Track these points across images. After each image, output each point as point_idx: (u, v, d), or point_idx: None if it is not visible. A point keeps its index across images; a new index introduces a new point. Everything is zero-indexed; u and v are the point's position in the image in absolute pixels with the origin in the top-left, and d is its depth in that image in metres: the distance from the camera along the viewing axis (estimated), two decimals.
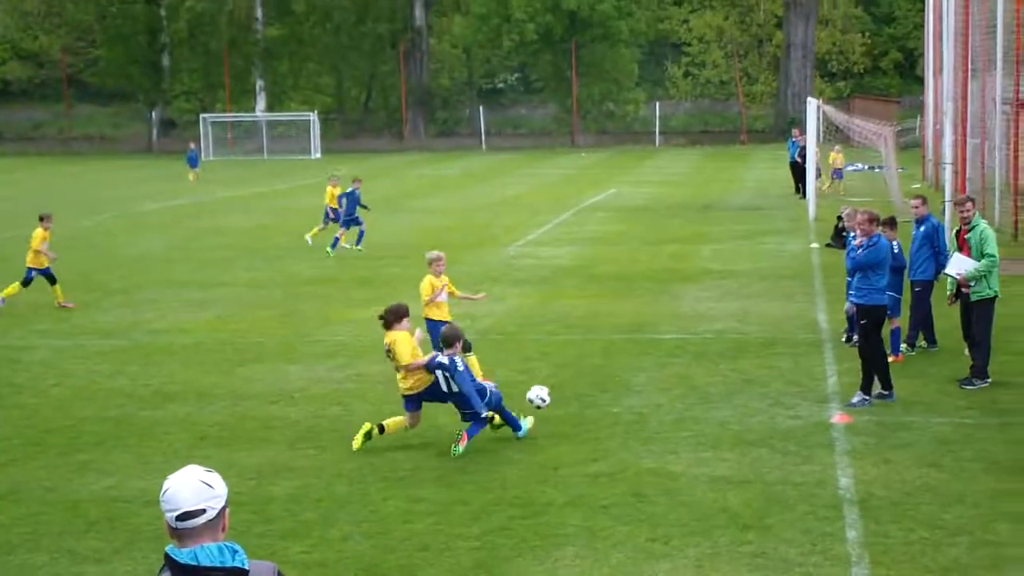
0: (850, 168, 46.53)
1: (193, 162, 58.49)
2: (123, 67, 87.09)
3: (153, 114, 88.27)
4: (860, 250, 14.78)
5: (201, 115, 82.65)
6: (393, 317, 13.80)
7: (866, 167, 51.01)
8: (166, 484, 4.66)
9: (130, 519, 11.32)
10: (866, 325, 14.80)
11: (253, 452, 13.39)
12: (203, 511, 4.64)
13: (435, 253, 16.57)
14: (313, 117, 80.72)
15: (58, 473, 12.73)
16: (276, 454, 13.31)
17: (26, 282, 22.78)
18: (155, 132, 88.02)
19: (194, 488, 4.65)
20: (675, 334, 19.37)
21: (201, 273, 27.06)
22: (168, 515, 4.64)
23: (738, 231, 32.55)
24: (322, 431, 14.18)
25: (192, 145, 64.44)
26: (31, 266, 22.73)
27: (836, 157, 43.12)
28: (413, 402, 13.64)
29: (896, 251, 16.80)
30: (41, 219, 23.05)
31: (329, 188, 31.63)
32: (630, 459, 12.85)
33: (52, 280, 22.78)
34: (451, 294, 16.49)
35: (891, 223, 17.20)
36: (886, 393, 14.91)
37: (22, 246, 31.29)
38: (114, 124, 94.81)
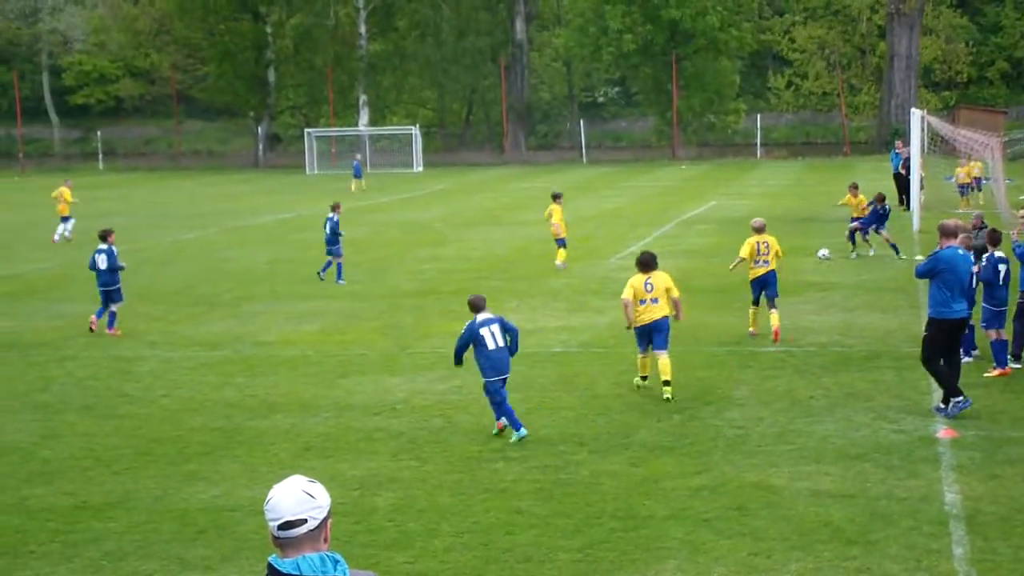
0: (951, 179, 45.70)
1: (357, 172, 62.86)
2: (230, 83, 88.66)
3: (259, 129, 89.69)
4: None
5: (306, 130, 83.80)
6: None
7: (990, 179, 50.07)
8: (270, 494, 4.72)
9: (237, 528, 11.52)
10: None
11: (356, 463, 13.55)
12: (304, 521, 4.68)
13: None
14: (415, 131, 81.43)
15: (167, 482, 13.00)
16: (379, 465, 13.45)
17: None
18: (261, 147, 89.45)
19: (296, 498, 4.69)
20: (777, 347, 19.21)
21: (304, 286, 27.43)
22: (271, 524, 4.69)
23: (840, 243, 32.14)
24: (424, 442, 14.30)
25: (357, 156, 67.95)
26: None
27: (970, 168, 42.36)
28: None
29: (986, 264, 16.71)
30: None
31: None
32: (732, 472, 12.79)
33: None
34: None
35: (994, 236, 17.03)
36: (942, 407, 14.72)
37: (132, 259, 32.00)
38: (221, 139, 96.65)
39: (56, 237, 38.05)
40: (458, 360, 14.70)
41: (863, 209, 30.85)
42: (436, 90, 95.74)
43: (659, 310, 16.20)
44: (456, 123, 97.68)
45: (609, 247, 33.42)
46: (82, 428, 15.27)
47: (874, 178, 56.63)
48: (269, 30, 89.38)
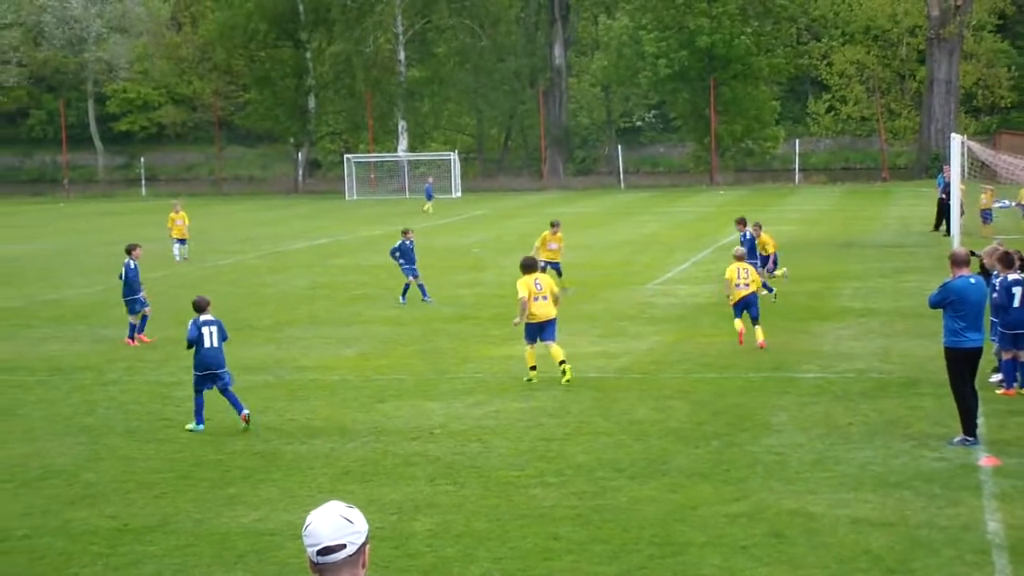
0: (998, 205, 45.41)
1: (429, 194, 64.77)
2: (271, 110, 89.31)
3: (299, 155, 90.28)
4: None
5: (345, 155, 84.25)
6: None
7: (1014, 204, 49.78)
8: (308, 519, 4.73)
9: (277, 552, 11.60)
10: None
11: (394, 487, 13.61)
12: (343, 546, 4.70)
13: None
14: (454, 156, 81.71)
15: (208, 506, 13.10)
16: (417, 490, 13.51)
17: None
18: (301, 172, 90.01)
19: (335, 523, 4.71)
20: (815, 373, 19.17)
21: (344, 310, 27.59)
22: (309, 550, 4.70)
23: (880, 269, 32.05)
24: (461, 467, 14.35)
25: (430, 179, 69.79)
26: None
27: (984, 197, 42.09)
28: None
29: (998, 287, 16.79)
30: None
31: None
32: (770, 499, 12.77)
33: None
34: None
35: (1008, 259, 17.11)
36: (969, 439, 14.63)
37: (171, 283, 32.30)
38: (262, 165, 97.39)
39: (177, 258, 38.65)
40: (190, 346, 16.61)
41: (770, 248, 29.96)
42: (475, 116, 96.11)
43: (548, 307, 18.66)
44: (495, 149, 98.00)
45: (647, 273, 33.43)
46: (124, 452, 15.41)
47: (913, 203, 56.42)
48: (309, 56, 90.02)
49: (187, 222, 39.38)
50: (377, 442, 15.66)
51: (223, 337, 16.74)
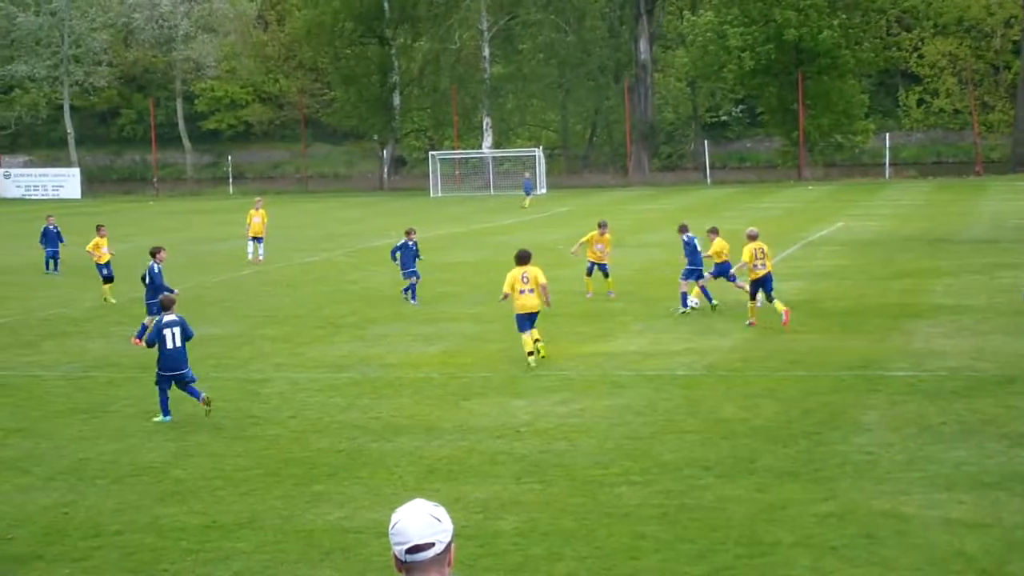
0: None
1: (527, 189, 66.77)
2: (356, 107, 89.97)
3: (384, 152, 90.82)
4: None
5: (430, 152, 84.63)
6: None
7: None
8: (395, 517, 4.71)
9: (362, 550, 11.61)
10: None
11: (480, 486, 13.58)
12: (432, 545, 4.67)
13: None
14: (538, 153, 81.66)
15: (294, 503, 13.17)
16: (502, 488, 13.47)
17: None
18: (386, 170, 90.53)
19: (424, 522, 4.69)
20: (907, 371, 18.83)
21: (428, 308, 27.64)
22: (397, 548, 4.68)
23: (973, 265, 31.44)
24: (547, 466, 14.28)
25: (527, 175, 71.24)
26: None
27: None
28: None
29: None
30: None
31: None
32: (860, 499, 12.55)
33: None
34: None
35: None
36: None
37: (258, 280, 32.63)
38: (347, 162, 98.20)
39: (250, 256, 38.54)
40: (149, 346, 17.30)
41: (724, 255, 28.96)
42: (559, 112, 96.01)
43: (534, 300, 20.21)
44: (579, 145, 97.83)
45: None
46: (212, 449, 15.56)
47: (1008, 198, 55.38)
48: (394, 54, 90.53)
49: (265, 220, 39.14)
50: (463, 440, 15.64)
51: (186, 336, 17.15)
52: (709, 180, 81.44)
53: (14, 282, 35.16)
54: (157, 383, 17.13)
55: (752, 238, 23.19)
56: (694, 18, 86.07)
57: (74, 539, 12.11)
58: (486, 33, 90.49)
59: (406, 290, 28.46)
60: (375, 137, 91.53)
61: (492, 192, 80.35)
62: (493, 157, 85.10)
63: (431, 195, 79.41)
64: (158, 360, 17.04)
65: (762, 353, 20.81)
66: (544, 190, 77.34)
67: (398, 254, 28.71)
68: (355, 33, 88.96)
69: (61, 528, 12.46)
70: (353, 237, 47.77)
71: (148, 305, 23.25)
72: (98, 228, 31.73)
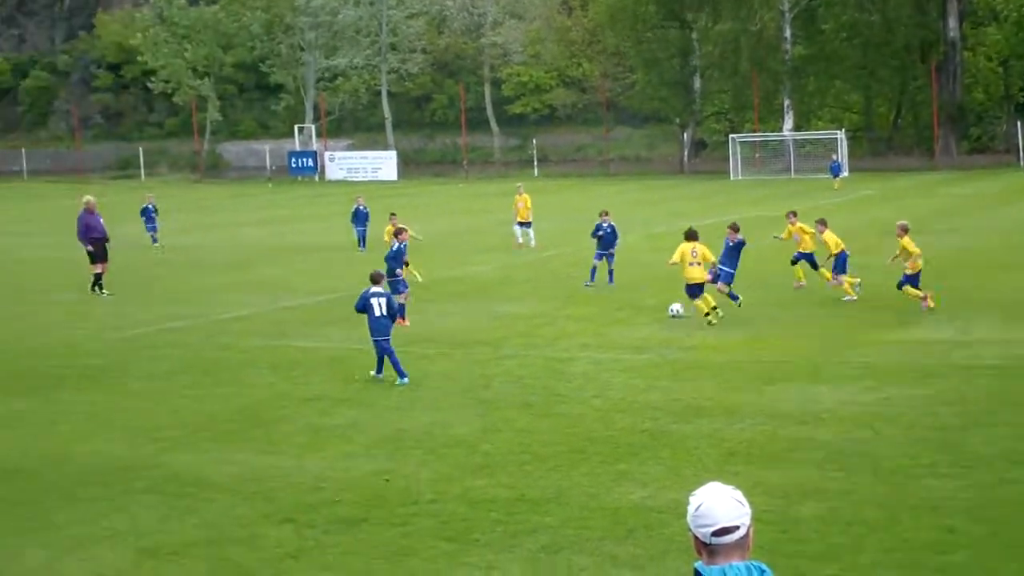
0: None
1: (835, 171, 67.07)
2: (657, 90, 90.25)
3: (685, 135, 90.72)
4: None
5: (730, 135, 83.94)
6: None
7: None
8: (696, 500, 4.86)
9: (664, 529, 11.83)
10: None
11: (781, 471, 13.59)
12: (737, 528, 4.82)
13: None
14: (840, 135, 79.78)
15: (599, 481, 13.52)
16: (804, 474, 13.44)
17: None
18: (686, 153, 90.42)
19: (730, 505, 4.83)
20: None
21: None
22: (702, 530, 4.82)
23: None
24: (850, 454, 14.15)
25: (834, 156, 71.38)
26: None
27: None
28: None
29: None
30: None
31: None
32: None
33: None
34: None
35: None
36: None
37: (560, 262, 33.31)
38: (648, 145, 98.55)
39: (519, 240, 38.86)
40: (359, 312, 19.11)
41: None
42: (862, 93, 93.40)
43: (700, 272, 23.07)
44: (883, 127, 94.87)
45: None
46: (520, 424, 16.11)
47: None
48: (695, 36, 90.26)
49: (528, 205, 39.01)
50: (764, 424, 15.65)
51: (391, 311, 18.93)
52: (1023, 163, 77.59)
53: (337, 259, 37.11)
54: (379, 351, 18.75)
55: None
56: None
57: (393, 505, 12.82)
58: (787, 14, 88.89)
59: (595, 272, 29.03)
60: (676, 120, 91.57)
61: (792, 175, 79.04)
62: (794, 140, 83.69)
63: (731, 178, 78.79)
64: (370, 327, 18.77)
65: None
66: (846, 173, 75.52)
67: (600, 234, 29.30)
68: (657, 16, 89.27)
69: (382, 494, 13.21)
70: (652, 221, 48.02)
71: (389, 284, 23.61)
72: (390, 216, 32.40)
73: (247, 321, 25.78)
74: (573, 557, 11.25)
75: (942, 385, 17.42)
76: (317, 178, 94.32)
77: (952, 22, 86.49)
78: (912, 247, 23.95)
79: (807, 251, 27.51)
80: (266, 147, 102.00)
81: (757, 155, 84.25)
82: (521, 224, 39.14)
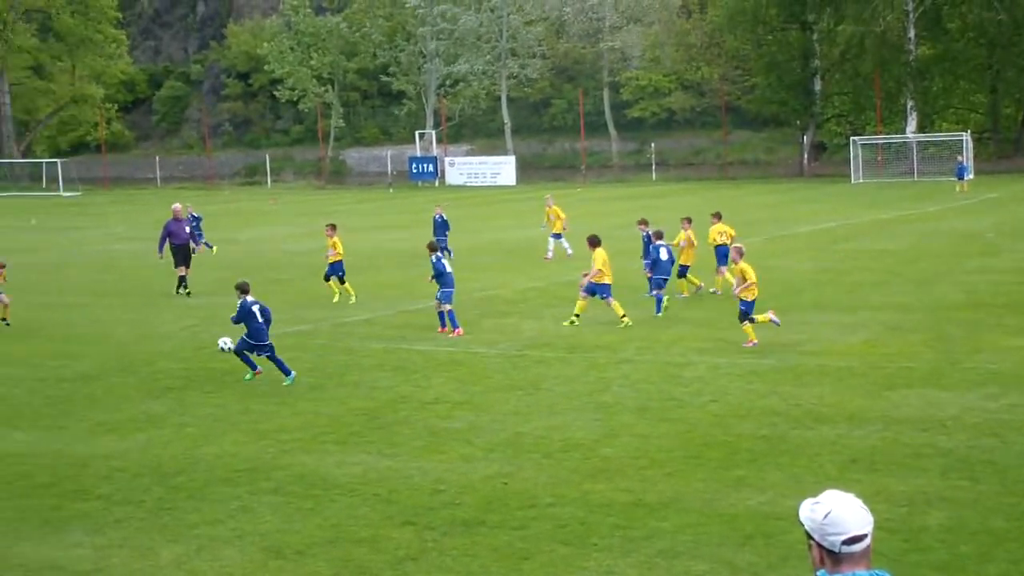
0: None
1: (960, 173, 65.88)
2: (776, 93, 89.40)
3: (804, 138, 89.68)
4: None
5: (851, 138, 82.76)
6: None
7: None
8: (823, 507, 4.87)
9: (783, 536, 11.74)
10: None
11: (904, 479, 13.41)
12: (865, 536, 4.84)
13: None
14: (966, 137, 78.16)
15: (716, 486, 13.48)
16: (927, 482, 13.25)
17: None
18: (806, 156, 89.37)
19: (858, 514, 4.86)
20: None
21: (850, 296, 27.27)
22: (831, 539, 4.83)
23: None
24: (976, 462, 13.92)
25: (960, 158, 70.36)
26: None
27: None
28: None
29: None
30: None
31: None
32: None
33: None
34: None
35: None
36: None
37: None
38: (767, 149, 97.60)
39: (549, 254, 38.05)
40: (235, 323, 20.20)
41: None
42: (988, 94, 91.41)
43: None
44: (1011, 128, 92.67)
45: None
46: (638, 429, 16.12)
47: None
48: (816, 38, 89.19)
49: (560, 216, 38.15)
50: (886, 431, 15.46)
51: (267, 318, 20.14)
52: None
53: (456, 264, 37.29)
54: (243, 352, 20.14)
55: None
56: None
57: (512, 508, 12.94)
58: (912, 14, 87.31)
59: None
60: (795, 123, 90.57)
61: (915, 178, 77.66)
62: (917, 142, 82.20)
63: (852, 181, 77.68)
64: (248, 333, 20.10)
65: None
66: (971, 176, 73.97)
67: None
68: (778, 19, 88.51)
69: (500, 497, 13.34)
70: (773, 223, 47.59)
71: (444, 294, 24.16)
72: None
73: (369, 325, 26.16)
74: (690, 563, 11.25)
75: None
76: (437, 183, 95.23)
77: None
78: None
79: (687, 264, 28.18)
80: (388, 153, 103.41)
81: (879, 158, 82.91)
82: (554, 235, 38.39)
